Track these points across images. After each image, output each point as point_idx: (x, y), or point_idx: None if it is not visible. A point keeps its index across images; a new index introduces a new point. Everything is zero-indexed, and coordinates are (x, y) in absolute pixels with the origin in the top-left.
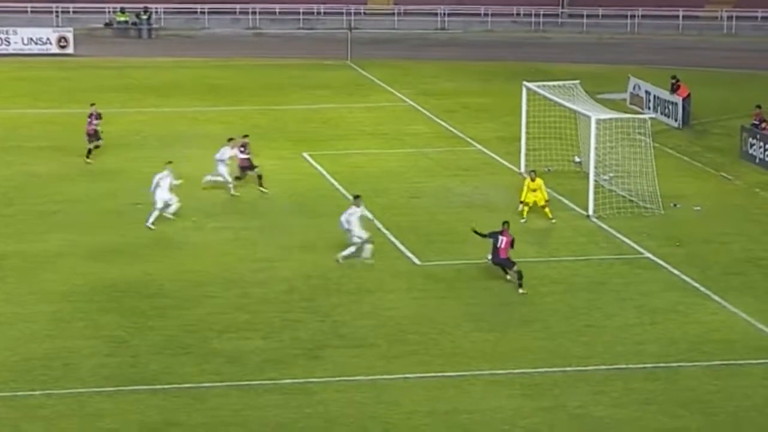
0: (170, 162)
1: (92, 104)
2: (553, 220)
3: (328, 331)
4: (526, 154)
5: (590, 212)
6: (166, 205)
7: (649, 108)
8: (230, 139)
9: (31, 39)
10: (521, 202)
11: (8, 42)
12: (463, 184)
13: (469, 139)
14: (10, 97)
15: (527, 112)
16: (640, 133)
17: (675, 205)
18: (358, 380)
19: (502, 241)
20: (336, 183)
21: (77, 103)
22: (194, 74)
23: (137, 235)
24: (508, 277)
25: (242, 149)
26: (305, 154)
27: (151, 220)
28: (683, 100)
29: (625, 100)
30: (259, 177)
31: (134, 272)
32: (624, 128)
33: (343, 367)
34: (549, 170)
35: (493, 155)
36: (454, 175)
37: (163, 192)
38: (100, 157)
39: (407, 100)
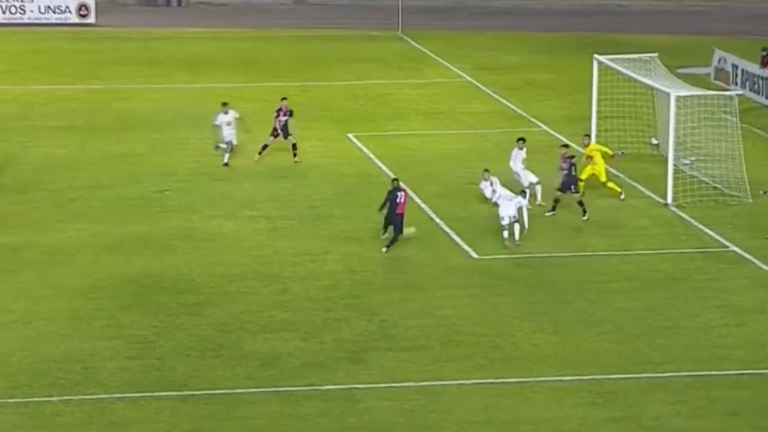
0: (225, 103)
1: (283, 98)
2: (622, 197)
3: (374, 331)
4: (597, 136)
5: (669, 200)
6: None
7: (737, 84)
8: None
9: (49, 7)
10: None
11: (23, 10)
12: (511, 174)
13: (533, 119)
14: (25, 71)
15: (598, 88)
16: (725, 112)
17: (765, 192)
18: (408, 386)
19: (401, 197)
20: (384, 167)
21: (99, 79)
22: (227, 47)
23: (164, 225)
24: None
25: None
26: (350, 136)
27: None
28: None
29: (709, 75)
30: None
31: (161, 266)
32: (707, 106)
33: (391, 372)
34: (623, 154)
35: (559, 137)
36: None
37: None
38: (123, 138)
39: (464, 75)
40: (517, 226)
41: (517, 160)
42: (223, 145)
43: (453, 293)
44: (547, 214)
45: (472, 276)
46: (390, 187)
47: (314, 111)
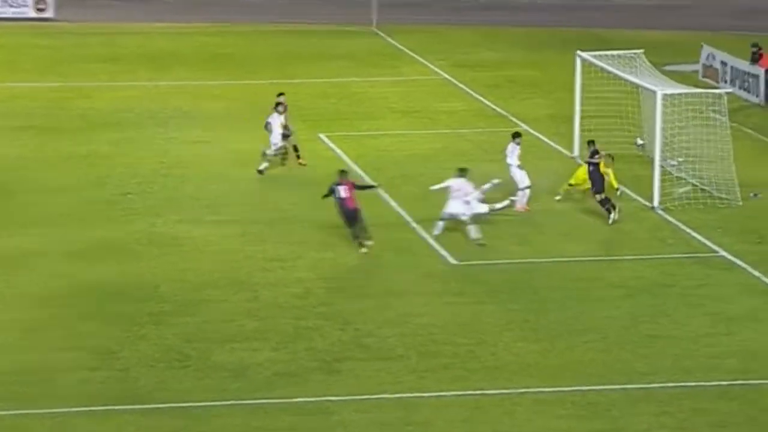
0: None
1: (280, 93)
2: (618, 192)
3: (348, 340)
4: (581, 136)
5: (655, 203)
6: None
7: (726, 81)
8: (278, 102)
9: (5, 1)
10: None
11: None
12: (506, 170)
13: (513, 118)
14: None
15: (582, 86)
16: (714, 111)
17: (756, 195)
18: (384, 398)
19: (343, 190)
20: (358, 169)
21: (58, 76)
22: (195, 42)
23: (128, 230)
24: (363, 242)
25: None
26: (322, 136)
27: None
28: (766, 71)
29: (697, 72)
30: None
31: (124, 273)
32: (696, 105)
33: (366, 383)
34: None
35: (541, 137)
36: (497, 159)
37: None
38: (84, 138)
39: (442, 72)
40: (472, 227)
41: (514, 156)
42: (271, 152)
43: (430, 300)
44: (611, 221)
45: (451, 282)
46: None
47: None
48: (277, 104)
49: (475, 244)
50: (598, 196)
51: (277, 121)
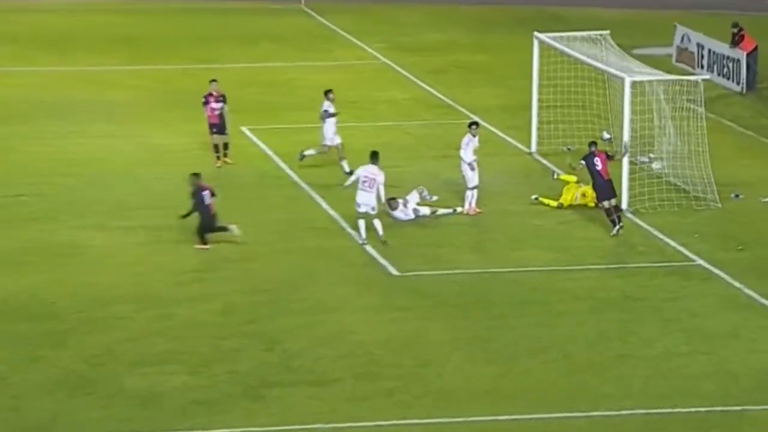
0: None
1: (212, 80)
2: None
3: (275, 363)
4: (539, 128)
5: (624, 205)
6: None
7: (702, 67)
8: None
9: None
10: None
11: None
12: (455, 167)
13: (461, 109)
14: None
15: (539, 72)
16: (690, 101)
17: (737, 196)
18: (316, 428)
19: (206, 196)
20: (285, 167)
21: None
22: (99, 22)
23: (20, 238)
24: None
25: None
26: (244, 129)
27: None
28: (747, 55)
29: (670, 56)
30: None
31: (15, 287)
32: (669, 94)
33: (296, 411)
34: (569, 150)
35: (494, 130)
36: (443, 156)
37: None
38: None
39: (380, 56)
40: (378, 222)
41: (469, 149)
42: (322, 149)
43: (369, 316)
44: (613, 233)
45: (392, 295)
46: (191, 188)
47: (199, 99)
48: (209, 94)
49: (380, 241)
50: (606, 203)
51: (330, 111)
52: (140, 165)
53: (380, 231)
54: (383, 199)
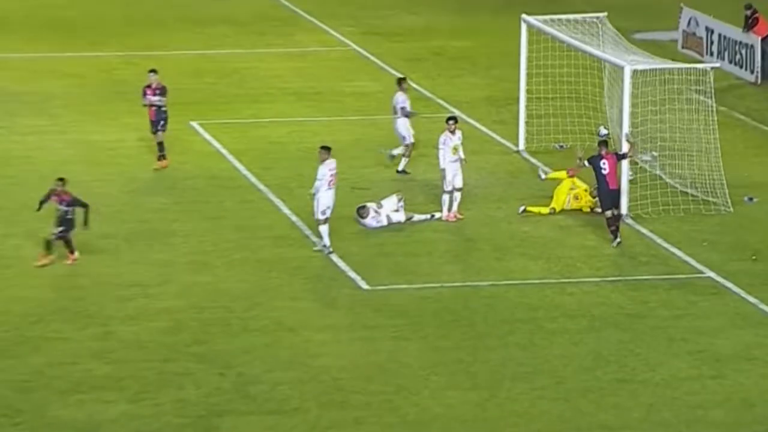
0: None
1: (152, 70)
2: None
3: (229, 389)
4: (527, 123)
5: (624, 210)
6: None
7: (712, 53)
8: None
9: None
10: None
11: None
12: (434, 167)
13: (441, 101)
14: None
15: (528, 60)
16: (698, 91)
17: (751, 199)
18: None
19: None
20: (241, 167)
21: None
22: (29, 3)
23: None
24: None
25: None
26: (194, 124)
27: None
28: (762, 40)
29: (675, 41)
30: (161, 145)
31: None
32: (674, 84)
33: None
34: (561, 147)
35: (477, 125)
36: (419, 154)
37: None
38: None
39: (349, 42)
40: (325, 228)
41: (448, 149)
42: (407, 148)
43: (336, 336)
44: (614, 244)
45: (362, 313)
46: (53, 189)
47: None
48: (147, 86)
49: (319, 247)
50: (609, 212)
51: (408, 110)
52: (76, 164)
53: (326, 239)
54: (400, 216)
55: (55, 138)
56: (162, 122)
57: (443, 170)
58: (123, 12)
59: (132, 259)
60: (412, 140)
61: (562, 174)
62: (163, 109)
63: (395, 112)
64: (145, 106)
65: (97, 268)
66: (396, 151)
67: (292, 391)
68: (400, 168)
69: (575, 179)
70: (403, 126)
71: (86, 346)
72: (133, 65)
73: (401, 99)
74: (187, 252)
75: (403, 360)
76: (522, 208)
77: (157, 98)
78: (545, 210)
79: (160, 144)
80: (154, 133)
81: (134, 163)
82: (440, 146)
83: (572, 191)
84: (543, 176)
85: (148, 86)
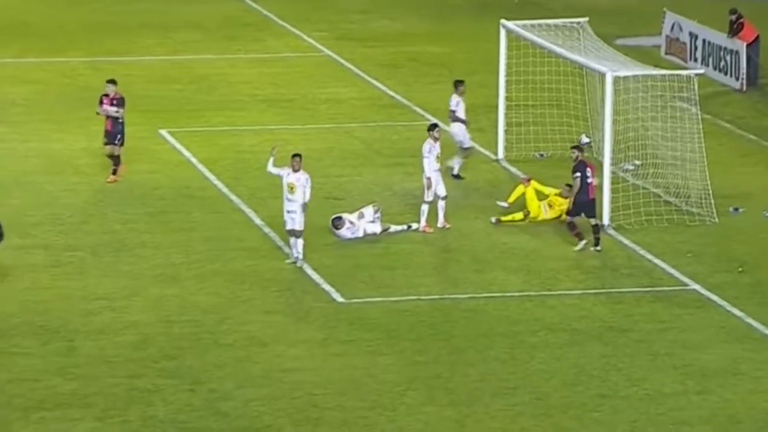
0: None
1: (110, 80)
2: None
3: (199, 406)
4: (506, 131)
5: (606, 221)
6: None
7: (696, 60)
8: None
9: None
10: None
11: None
12: (410, 176)
13: (418, 109)
14: None
15: (508, 66)
16: (681, 99)
17: (736, 209)
18: None
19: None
20: (212, 176)
21: None
22: None
23: None
24: None
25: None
26: (163, 132)
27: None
28: (748, 46)
29: (658, 47)
30: (116, 158)
31: None
32: (657, 91)
33: None
34: (542, 156)
35: None
36: (396, 163)
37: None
38: None
39: (322, 48)
40: (300, 242)
41: (433, 158)
42: (466, 153)
43: (310, 351)
44: (576, 248)
45: (337, 326)
46: None
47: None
48: (104, 95)
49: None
50: (593, 220)
51: (461, 109)
52: (39, 174)
53: (299, 249)
54: (375, 228)
55: (17, 147)
56: (119, 135)
57: (428, 179)
58: (88, 17)
59: (98, 271)
60: (471, 144)
61: (520, 190)
62: (120, 120)
63: (450, 119)
64: (99, 114)
65: (61, 280)
66: (455, 163)
67: (264, 408)
68: (455, 172)
69: (536, 184)
70: (459, 130)
71: (50, 362)
72: (99, 70)
73: (454, 102)
74: (156, 264)
75: (379, 375)
76: (494, 218)
77: (114, 109)
78: (519, 216)
79: (117, 157)
80: (108, 144)
81: (100, 172)
82: (425, 154)
83: (544, 200)
84: (498, 216)
85: (105, 95)
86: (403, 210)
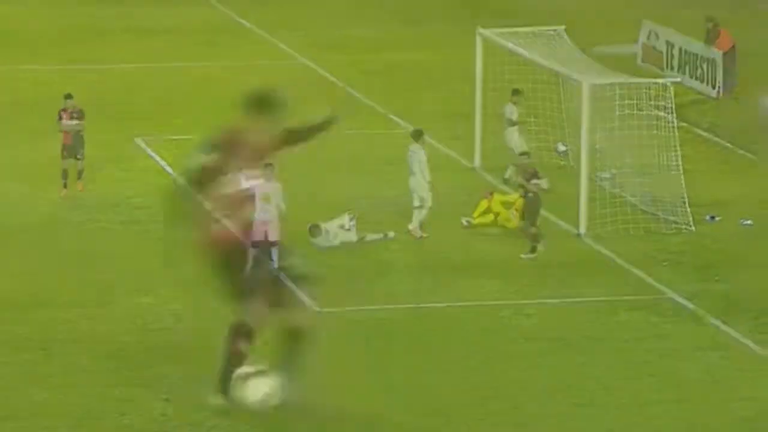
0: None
1: (67, 95)
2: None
3: (173, 416)
4: (483, 140)
5: (581, 230)
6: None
7: (672, 68)
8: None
9: None
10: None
11: None
12: (388, 185)
13: (395, 117)
14: None
15: (484, 74)
16: (658, 107)
17: (713, 217)
18: None
19: None
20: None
21: None
22: None
23: None
24: None
25: (68, 115)
26: (138, 141)
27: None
28: (724, 55)
29: (635, 55)
30: (80, 173)
31: None
32: (633, 99)
33: None
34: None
35: (432, 141)
36: (373, 171)
37: None
38: None
39: (298, 55)
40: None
41: (422, 165)
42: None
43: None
44: (524, 256)
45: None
46: None
47: (85, 105)
48: (63, 110)
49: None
50: (534, 229)
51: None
52: (11, 183)
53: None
54: (351, 236)
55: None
56: (81, 149)
57: (419, 184)
58: (62, 22)
59: (72, 280)
60: (524, 149)
61: (483, 205)
62: (81, 133)
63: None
64: (61, 132)
65: (33, 289)
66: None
67: (240, 418)
68: (506, 175)
69: (499, 196)
70: (513, 137)
71: (21, 371)
72: (70, 78)
73: (509, 110)
74: (132, 272)
75: (353, 384)
76: (466, 220)
77: (74, 122)
78: (490, 217)
79: (81, 171)
80: (67, 158)
81: (75, 181)
82: (412, 160)
83: (510, 208)
84: (467, 222)
85: (64, 110)
86: (380, 218)
